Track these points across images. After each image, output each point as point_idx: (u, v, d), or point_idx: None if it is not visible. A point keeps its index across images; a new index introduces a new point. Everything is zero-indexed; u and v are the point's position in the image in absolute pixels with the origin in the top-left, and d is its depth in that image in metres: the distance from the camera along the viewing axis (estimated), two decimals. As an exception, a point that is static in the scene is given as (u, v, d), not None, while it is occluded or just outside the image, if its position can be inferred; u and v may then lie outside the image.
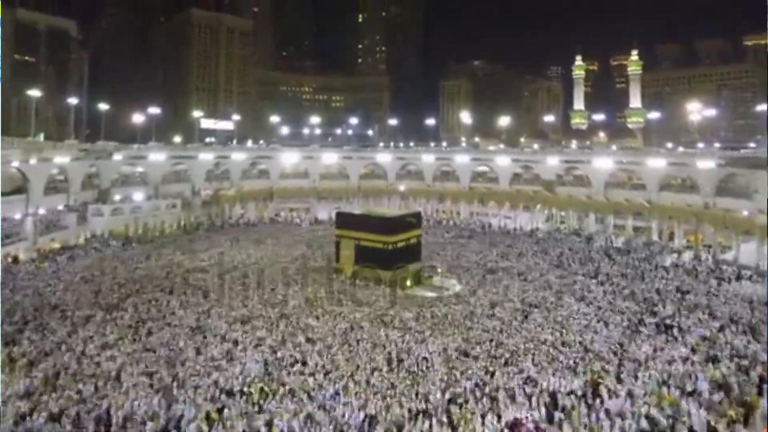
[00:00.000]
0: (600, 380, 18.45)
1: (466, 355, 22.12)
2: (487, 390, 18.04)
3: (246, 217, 66.84)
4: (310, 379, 19.03)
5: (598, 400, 16.89)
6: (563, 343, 23.37)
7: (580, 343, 23.36)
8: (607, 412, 15.91)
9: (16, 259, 40.55)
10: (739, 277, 37.85)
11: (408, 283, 36.32)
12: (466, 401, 17.03)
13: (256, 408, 16.51)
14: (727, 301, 30.39)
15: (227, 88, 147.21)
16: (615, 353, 21.94)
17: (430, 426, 15.27)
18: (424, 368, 20.54)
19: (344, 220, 41.30)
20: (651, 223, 55.09)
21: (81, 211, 53.01)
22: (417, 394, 17.86)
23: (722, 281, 36.48)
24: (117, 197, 59.76)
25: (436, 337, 24.36)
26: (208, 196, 67.30)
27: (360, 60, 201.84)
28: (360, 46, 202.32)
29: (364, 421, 15.56)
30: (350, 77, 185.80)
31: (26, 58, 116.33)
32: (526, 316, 27.81)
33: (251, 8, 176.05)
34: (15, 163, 45.95)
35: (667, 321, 26.56)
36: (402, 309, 29.57)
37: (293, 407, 16.47)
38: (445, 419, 15.72)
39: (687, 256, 45.70)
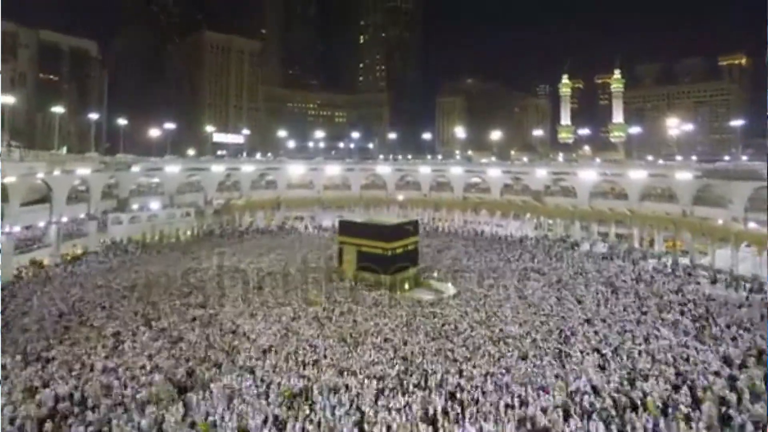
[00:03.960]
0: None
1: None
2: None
3: (255, 225, 67.11)
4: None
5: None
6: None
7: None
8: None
9: (41, 264, 40.87)
10: (714, 281, 38.33)
11: (406, 286, 36.57)
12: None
13: None
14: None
15: (237, 105, 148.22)
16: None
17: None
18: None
19: (346, 228, 41.52)
20: (632, 230, 55.57)
21: (101, 219, 53.46)
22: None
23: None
24: (135, 206, 60.04)
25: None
26: (220, 205, 67.68)
27: (361, 78, 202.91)
28: (361, 65, 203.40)
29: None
30: (352, 94, 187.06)
31: (50, 76, 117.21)
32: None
33: (260, 30, 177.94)
34: (40, 175, 46.26)
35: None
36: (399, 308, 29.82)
37: None
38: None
39: (667, 260, 46.11)
